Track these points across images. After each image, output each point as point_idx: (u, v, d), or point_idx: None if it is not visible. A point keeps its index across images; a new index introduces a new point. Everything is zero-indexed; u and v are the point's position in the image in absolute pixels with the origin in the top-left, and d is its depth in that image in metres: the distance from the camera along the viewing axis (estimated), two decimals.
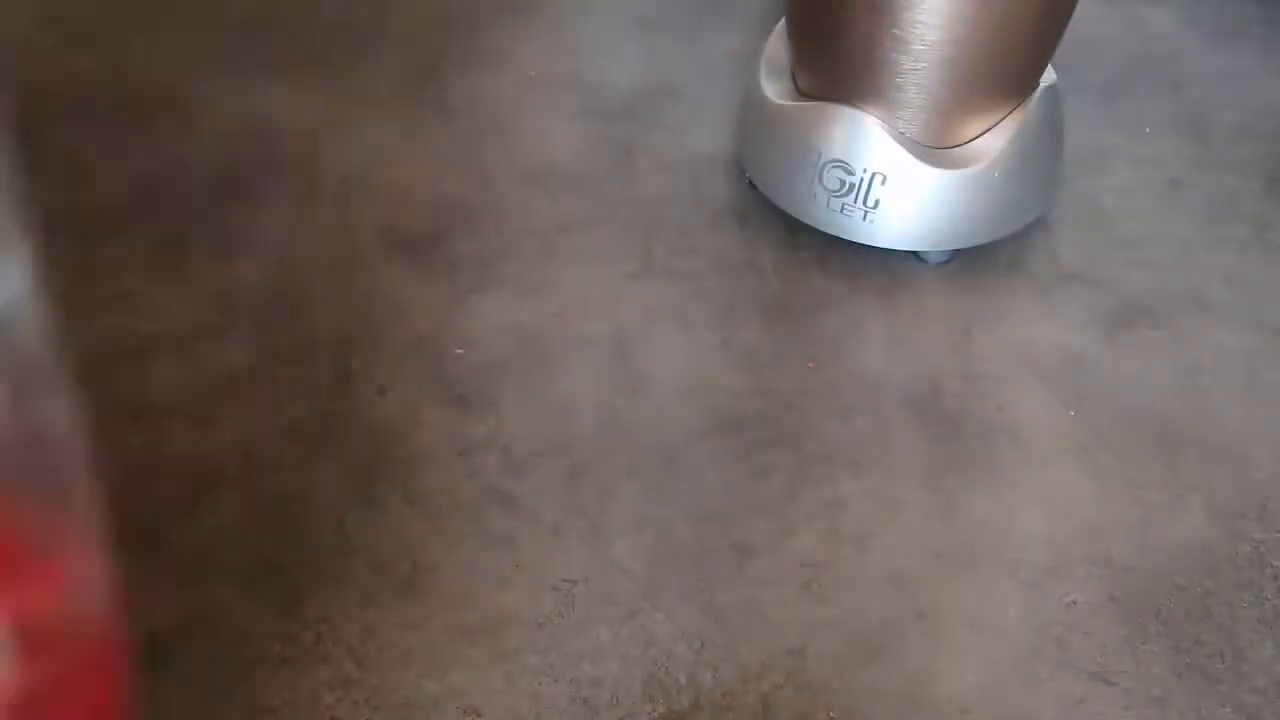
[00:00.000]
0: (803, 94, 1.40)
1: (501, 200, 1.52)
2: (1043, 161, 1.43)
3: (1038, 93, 1.38)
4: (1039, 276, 1.46)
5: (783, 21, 1.46)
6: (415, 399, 1.28)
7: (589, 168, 1.57)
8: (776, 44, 1.47)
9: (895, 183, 1.33)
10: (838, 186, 1.35)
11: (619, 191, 1.53)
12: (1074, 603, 1.13)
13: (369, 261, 1.43)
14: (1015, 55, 1.33)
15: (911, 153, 1.32)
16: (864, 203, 1.34)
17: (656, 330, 1.37)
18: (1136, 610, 1.13)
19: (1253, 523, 1.20)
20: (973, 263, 1.45)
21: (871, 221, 1.35)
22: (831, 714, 1.04)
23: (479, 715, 1.03)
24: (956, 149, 1.35)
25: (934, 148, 1.34)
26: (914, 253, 1.44)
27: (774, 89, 1.42)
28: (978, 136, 1.35)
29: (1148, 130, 1.69)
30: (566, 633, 1.09)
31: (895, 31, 1.25)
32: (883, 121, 1.32)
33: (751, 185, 1.49)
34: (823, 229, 1.40)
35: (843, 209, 1.36)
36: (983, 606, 1.13)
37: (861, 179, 1.33)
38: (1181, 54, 1.83)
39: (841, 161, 1.34)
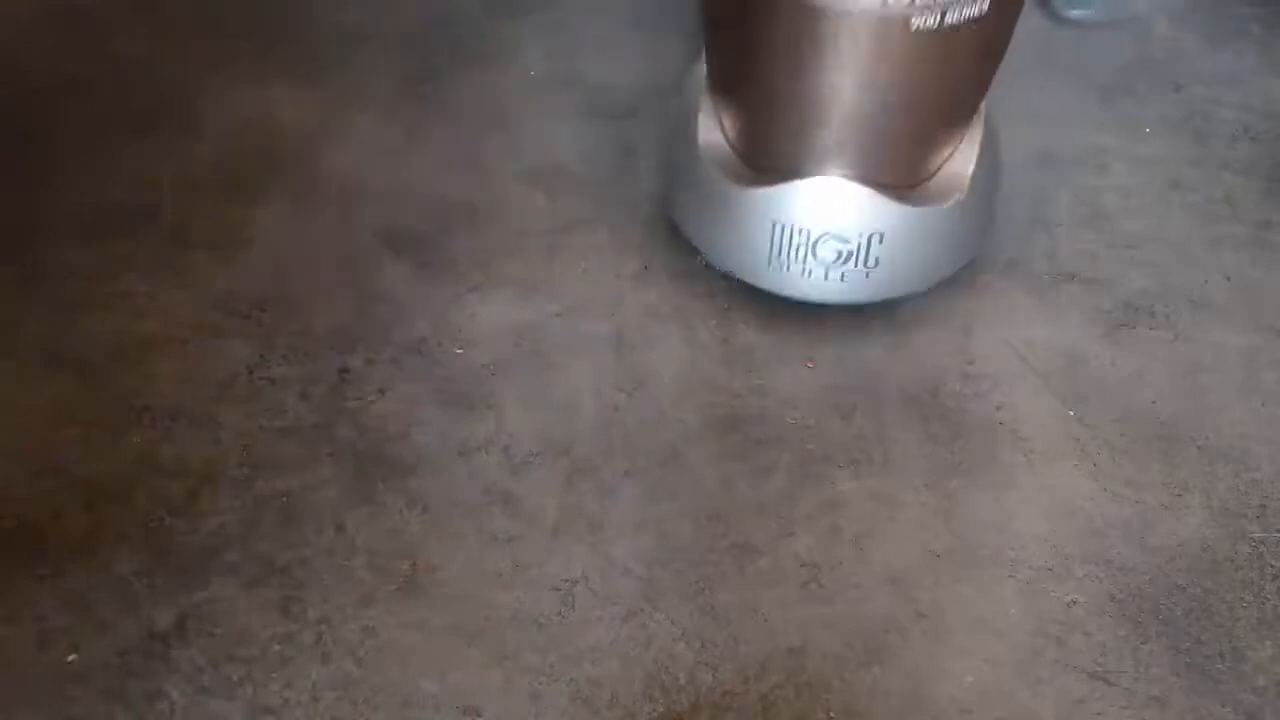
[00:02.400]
0: (757, 168, 1.32)
1: (502, 200, 1.52)
2: (995, 164, 1.41)
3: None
4: (1039, 276, 1.46)
5: (705, 104, 1.36)
6: (415, 399, 1.28)
7: (590, 167, 1.57)
8: (708, 122, 1.36)
9: (894, 236, 1.28)
10: (835, 257, 1.29)
11: (620, 191, 1.53)
12: (1074, 603, 1.13)
13: (369, 261, 1.43)
14: (975, 80, 1.29)
15: (902, 201, 1.28)
16: (865, 264, 1.30)
17: (656, 330, 1.37)
18: (1136, 610, 1.13)
19: (1253, 523, 1.20)
20: (972, 263, 1.45)
21: (875, 280, 1.31)
22: (831, 714, 1.04)
23: (479, 715, 1.03)
24: (933, 180, 1.32)
25: (914, 188, 1.30)
26: None
27: (726, 172, 1.33)
28: (945, 162, 1.32)
29: (1148, 130, 1.69)
30: (566, 633, 1.09)
31: (856, 85, 1.20)
32: (866, 180, 1.26)
33: (709, 266, 1.41)
34: (825, 301, 1.34)
35: (843, 276, 1.31)
36: (983, 606, 1.13)
37: (859, 244, 1.28)
38: (1181, 54, 1.83)
39: (835, 234, 1.28)
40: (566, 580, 1.13)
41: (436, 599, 1.11)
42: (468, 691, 1.05)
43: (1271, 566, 1.17)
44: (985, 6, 1.15)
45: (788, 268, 1.32)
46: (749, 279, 1.35)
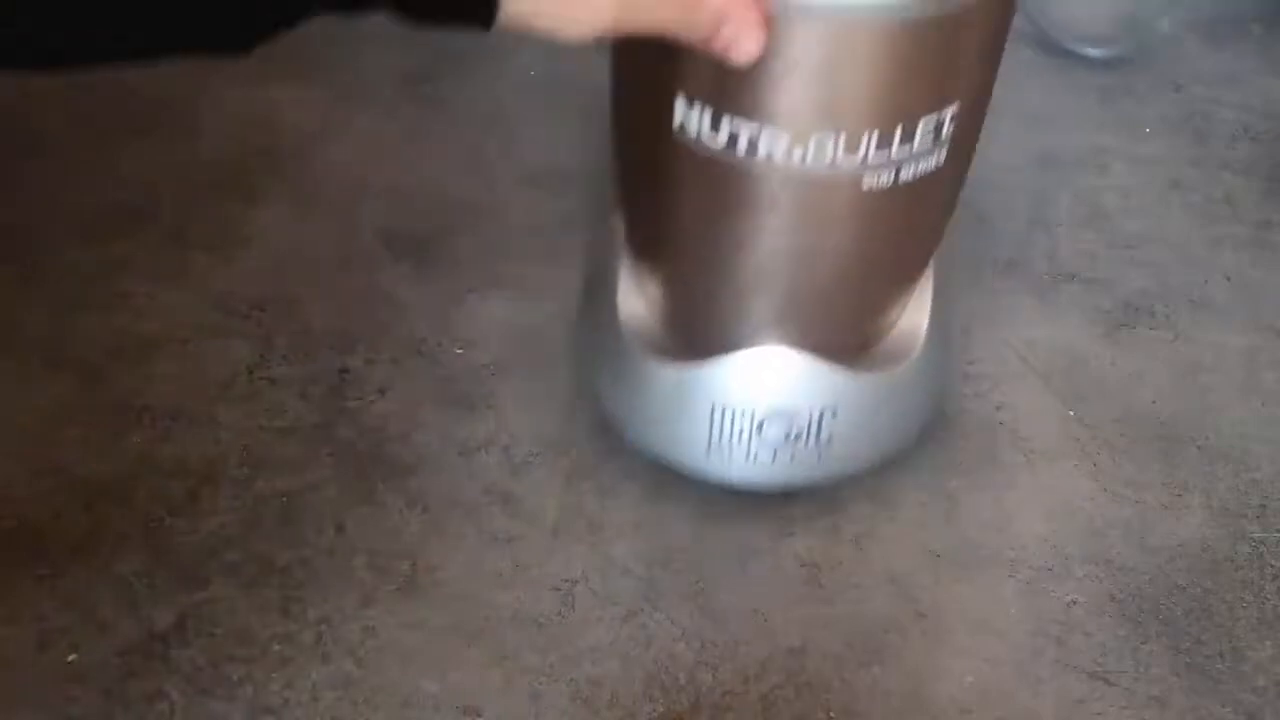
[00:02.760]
0: (686, 339, 1.14)
1: (502, 200, 1.52)
2: (949, 314, 1.25)
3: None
4: (1039, 276, 1.46)
5: (626, 265, 1.18)
6: (415, 399, 1.28)
7: (590, 167, 1.57)
8: (629, 288, 1.17)
9: (848, 408, 1.12)
10: (782, 437, 1.11)
11: None
12: (1074, 603, 1.13)
13: (369, 261, 1.44)
14: (929, 234, 1.15)
15: (855, 368, 1.11)
16: (817, 441, 1.12)
17: None
18: (1136, 610, 1.13)
19: (1253, 523, 1.20)
20: (972, 263, 1.45)
21: (830, 458, 1.15)
22: (831, 714, 1.04)
23: (479, 715, 1.03)
24: (886, 340, 1.17)
25: (866, 349, 1.15)
26: None
27: (652, 345, 1.14)
28: (898, 319, 1.18)
29: (1148, 130, 1.69)
30: (566, 633, 1.09)
31: (800, 250, 1.03)
32: (811, 349, 1.09)
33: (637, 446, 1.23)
34: (772, 488, 1.17)
35: (792, 457, 1.13)
36: (983, 606, 1.13)
37: (810, 420, 1.11)
38: (1181, 54, 1.83)
39: (783, 411, 1.10)
40: (566, 580, 1.13)
41: (436, 599, 1.11)
42: (468, 691, 1.05)
43: (1271, 566, 1.17)
44: (941, 159, 0.99)
45: (730, 453, 1.13)
46: (684, 466, 1.17)
